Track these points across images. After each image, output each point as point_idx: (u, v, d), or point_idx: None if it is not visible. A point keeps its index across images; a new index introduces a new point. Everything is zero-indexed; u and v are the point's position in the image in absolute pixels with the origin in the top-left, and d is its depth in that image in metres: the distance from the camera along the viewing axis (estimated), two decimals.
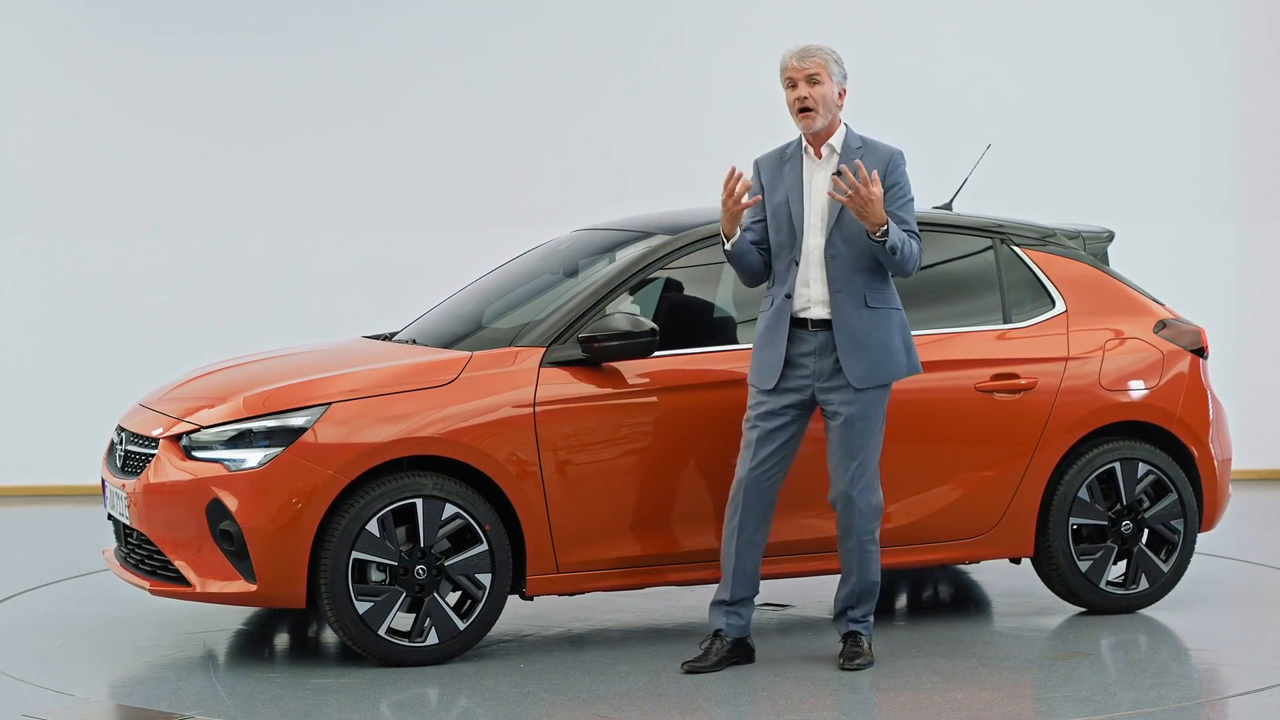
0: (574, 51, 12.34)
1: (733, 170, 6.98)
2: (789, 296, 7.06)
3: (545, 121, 12.28)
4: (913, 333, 7.50)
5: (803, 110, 7.06)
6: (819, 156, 7.10)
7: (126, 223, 12.25)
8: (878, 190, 6.84)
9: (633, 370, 7.40)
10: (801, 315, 7.08)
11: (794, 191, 7.11)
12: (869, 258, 6.99)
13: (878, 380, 7.03)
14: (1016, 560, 8.15)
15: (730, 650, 7.14)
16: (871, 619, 7.19)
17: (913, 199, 7.09)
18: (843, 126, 7.12)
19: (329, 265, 12.29)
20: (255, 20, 12.28)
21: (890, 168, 7.01)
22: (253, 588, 7.07)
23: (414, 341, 7.94)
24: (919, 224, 8.07)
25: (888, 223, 6.87)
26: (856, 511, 7.05)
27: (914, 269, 7.03)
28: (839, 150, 7.07)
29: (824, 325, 7.04)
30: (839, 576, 7.20)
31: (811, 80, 7.05)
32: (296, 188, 12.26)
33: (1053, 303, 8.07)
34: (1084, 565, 7.93)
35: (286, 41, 12.28)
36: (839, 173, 6.94)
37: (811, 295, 7.06)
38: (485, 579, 7.20)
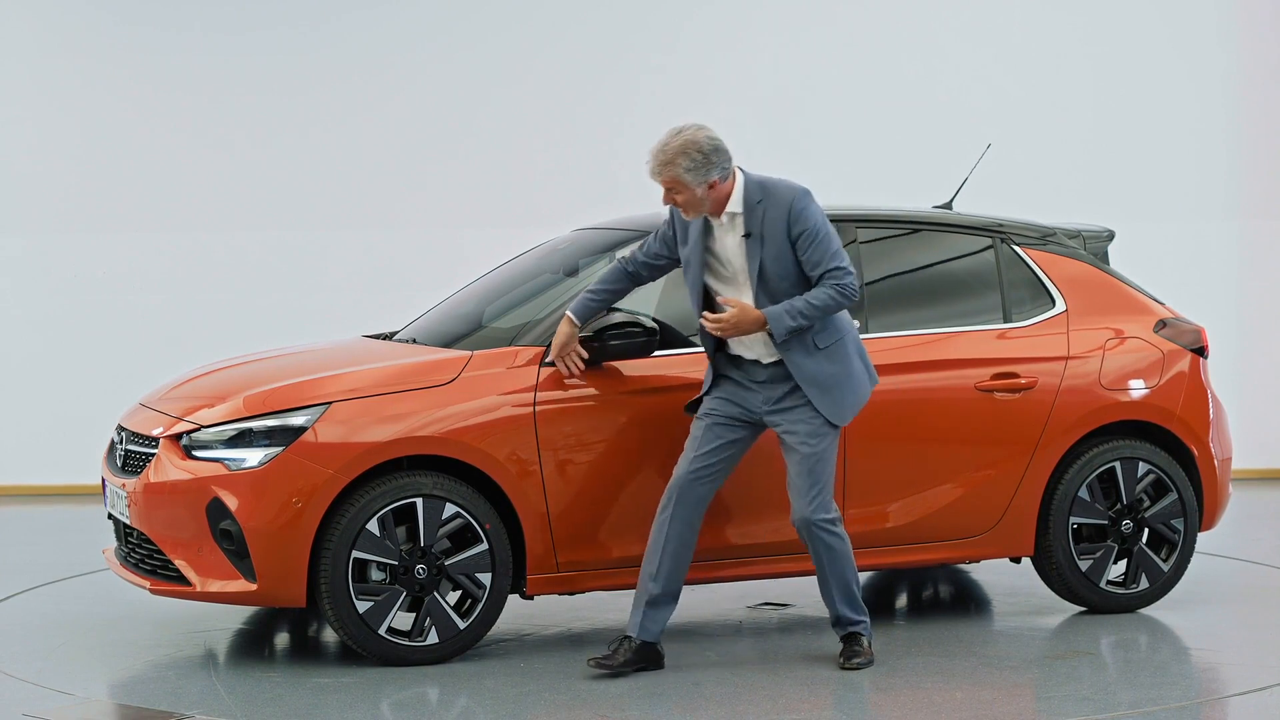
0: (574, 51, 12.34)
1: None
2: (726, 351, 7.06)
3: (545, 121, 12.28)
4: (913, 332, 7.53)
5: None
6: (723, 222, 7.00)
7: (126, 223, 12.25)
8: (730, 315, 6.81)
9: (633, 369, 7.40)
10: (749, 358, 7.06)
11: (694, 254, 7.03)
12: None
13: (851, 414, 7.02)
14: (1017, 560, 8.15)
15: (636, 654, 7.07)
16: (866, 618, 7.17)
17: (824, 234, 6.88)
18: (738, 183, 6.95)
19: (329, 265, 12.29)
20: (255, 20, 12.29)
21: (792, 217, 6.88)
22: (253, 587, 7.07)
23: (414, 341, 7.94)
24: (921, 223, 8.11)
25: (766, 323, 6.83)
26: (818, 535, 6.97)
27: (843, 306, 6.90)
28: (740, 211, 6.93)
29: (776, 363, 7.01)
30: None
31: (671, 192, 6.92)
32: (296, 187, 12.27)
33: (1053, 302, 8.07)
34: (1084, 564, 7.93)
35: (286, 41, 12.29)
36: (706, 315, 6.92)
37: (756, 349, 7.04)
38: (485, 578, 7.20)
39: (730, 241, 6.99)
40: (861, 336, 7.65)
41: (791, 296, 6.92)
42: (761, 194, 6.93)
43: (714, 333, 6.93)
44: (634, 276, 7.30)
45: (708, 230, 7.03)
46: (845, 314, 7.08)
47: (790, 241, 6.89)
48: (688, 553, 7.08)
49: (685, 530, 7.05)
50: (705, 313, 6.98)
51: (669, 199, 6.93)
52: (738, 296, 6.99)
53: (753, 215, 6.92)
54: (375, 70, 12.30)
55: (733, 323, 6.88)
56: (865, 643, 7.14)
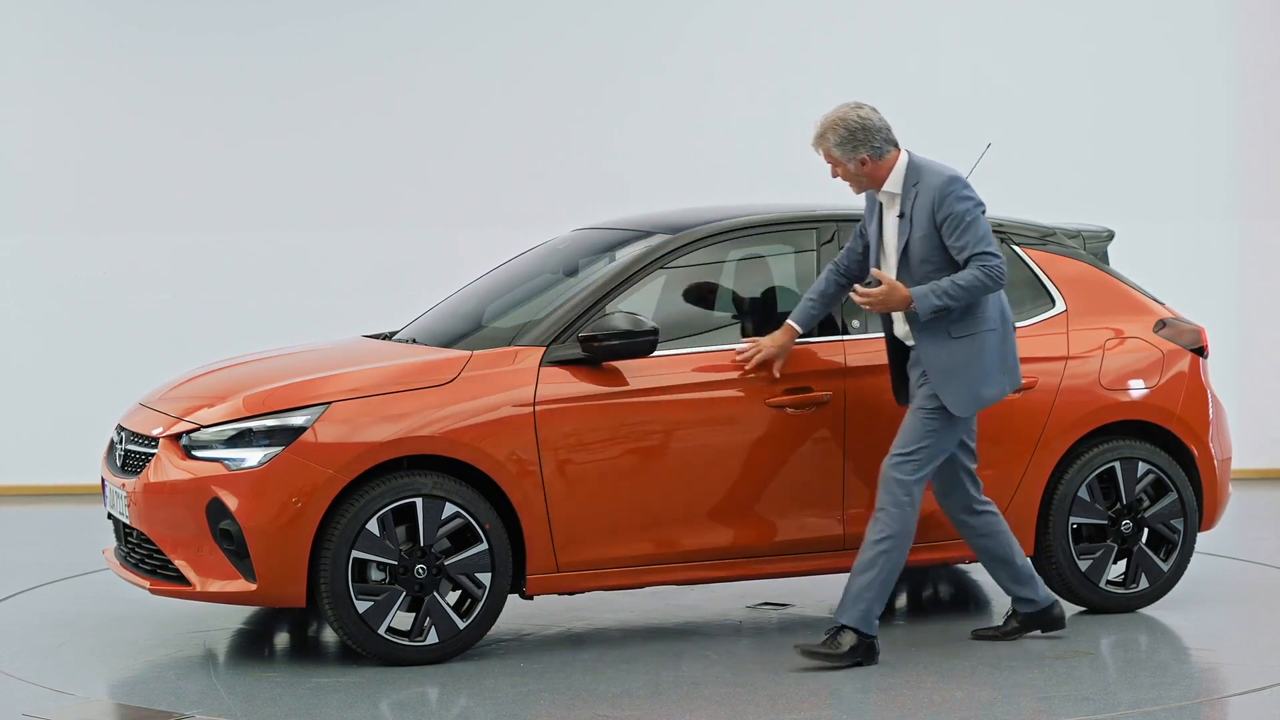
0: (574, 50, 12.34)
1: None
2: (891, 321, 7.34)
3: (545, 121, 12.28)
4: None
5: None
6: (884, 202, 7.29)
7: (126, 222, 12.25)
8: (879, 290, 7.06)
9: (633, 369, 7.40)
10: (903, 340, 7.33)
11: (872, 229, 7.34)
12: None
13: (972, 408, 7.19)
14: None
15: (1022, 622, 7.53)
16: (859, 607, 7.11)
17: (970, 219, 7.10)
18: (900, 164, 7.24)
19: (330, 265, 12.29)
20: (255, 20, 12.28)
21: (937, 202, 7.11)
22: (253, 587, 7.07)
23: (414, 341, 7.94)
24: None
25: (912, 301, 7.04)
26: (884, 487, 7.16)
27: (990, 289, 7.08)
28: (899, 192, 7.21)
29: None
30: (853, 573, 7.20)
31: (831, 165, 7.28)
32: (297, 187, 12.27)
33: (1053, 302, 8.07)
34: (1084, 564, 7.93)
35: (286, 41, 12.29)
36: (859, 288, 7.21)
37: (901, 329, 7.30)
38: (485, 578, 7.20)
39: (889, 221, 7.25)
40: (859, 336, 7.67)
41: (930, 280, 7.09)
42: (917, 177, 7.19)
43: (862, 306, 7.17)
44: (844, 275, 7.50)
45: (880, 210, 7.26)
46: (995, 312, 7.21)
47: (936, 226, 7.10)
48: (996, 539, 7.40)
49: (972, 531, 7.40)
50: (856, 285, 7.23)
51: (832, 172, 7.29)
52: (888, 274, 7.19)
53: (907, 197, 7.17)
54: (375, 70, 12.30)
55: (880, 298, 7.11)
56: (844, 640, 7.10)
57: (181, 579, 7.21)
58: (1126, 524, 7.96)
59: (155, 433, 7.37)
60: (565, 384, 7.33)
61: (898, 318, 7.28)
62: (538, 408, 7.27)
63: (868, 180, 7.24)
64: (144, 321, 12.22)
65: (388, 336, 8.31)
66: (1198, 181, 12.41)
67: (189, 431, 7.24)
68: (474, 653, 7.33)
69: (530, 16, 12.36)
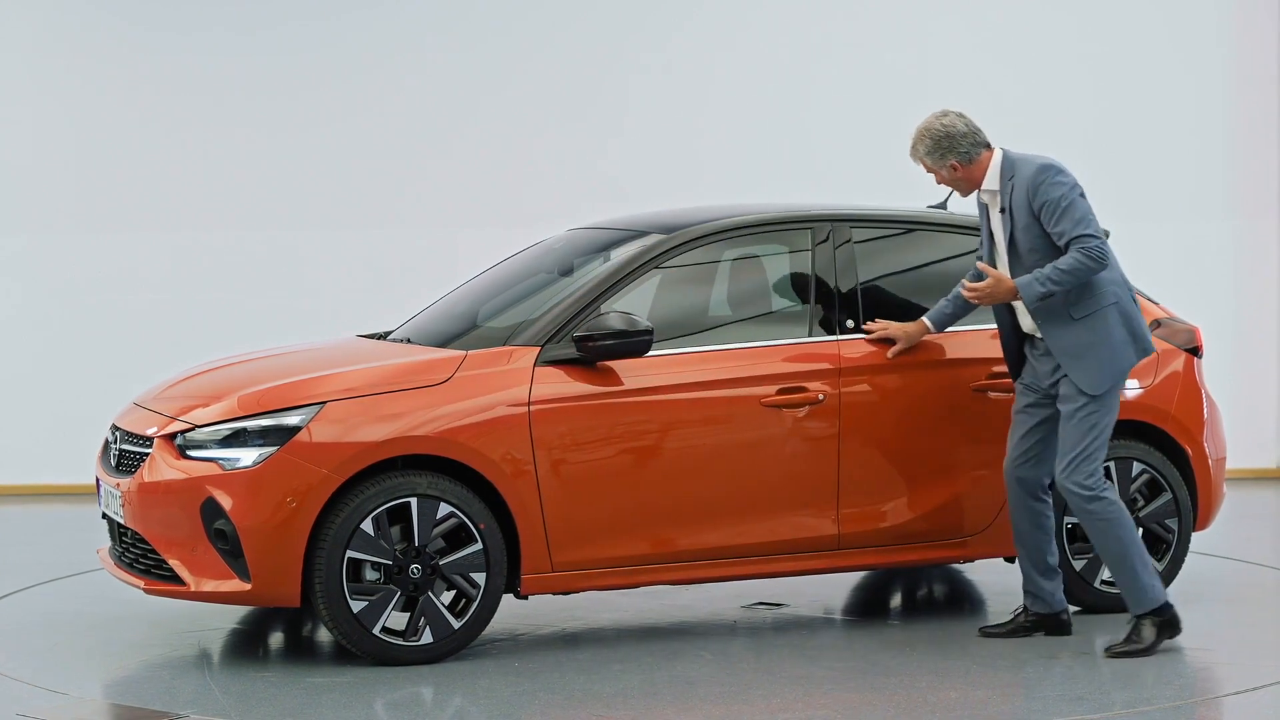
0: (571, 50, 12.34)
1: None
2: (1014, 316, 7.45)
3: (542, 121, 12.28)
4: None
5: None
6: (986, 200, 7.43)
7: (123, 222, 12.24)
8: (986, 283, 7.23)
9: (628, 369, 7.41)
10: (1026, 331, 7.42)
11: (985, 230, 7.51)
12: None
13: (1107, 384, 7.24)
14: (1010, 559, 8.14)
15: (1031, 622, 7.58)
16: (1153, 600, 7.26)
17: (1066, 203, 7.19)
18: (995, 161, 7.36)
19: (327, 264, 12.29)
20: (252, 19, 12.28)
21: (1031, 191, 7.23)
22: (247, 587, 7.07)
23: (409, 340, 7.94)
24: (915, 223, 8.12)
25: (1017, 292, 7.17)
26: (1073, 502, 7.24)
27: (1092, 270, 7.14)
28: (998, 189, 7.33)
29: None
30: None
31: (933, 174, 7.40)
32: (293, 187, 12.26)
33: None
34: (1078, 564, 7.92)
35: (283, 40, 12.28)
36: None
37: (1028, 322, 7.38)
38: (480, 578, 7.20)
39: (995, 219, 7.39)
40: (853, 337, 7.68)
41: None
42: (1012, 171, 7.33)
43: (971, 300, 7.33)
44: (975, 278, 7.61)
45: (988, 210, 7.43)
46: (1112, 285, 7.28)
47: (1035, 216, 7.22)
48: (1039, 532, 7.49)
49: (1026, 513, 7.45)
50: (964, 281, 7.43)
51: (936, 180, 7.46)
52: (1003, 269, 7.31)
53: (1004, 193, 7.31)
54: (374, 70, 12.29)
55: (987, 291, 7.27)
56: (1144, 631, 7.27)
57: (176, 579, 7.21)
58: None
59: (150, 432, 7.37)
60: (560, 384, 7.33)
61: (1021, 312, 7.39)
62: (532, 407, 7.28)
63: (965, 184, 7.39)
64: (142, 321, 12.21)
65: (382, 336, 8.31)
66: (1194, 182, 12.41)
67: (184, 431, 7.23)
68: (469, 653, 7.33)
69: (527, 15, 12.35)
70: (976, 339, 7.87)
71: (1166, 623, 7.30)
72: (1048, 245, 7.24)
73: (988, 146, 7.38)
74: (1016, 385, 7.53)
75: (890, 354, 7.66)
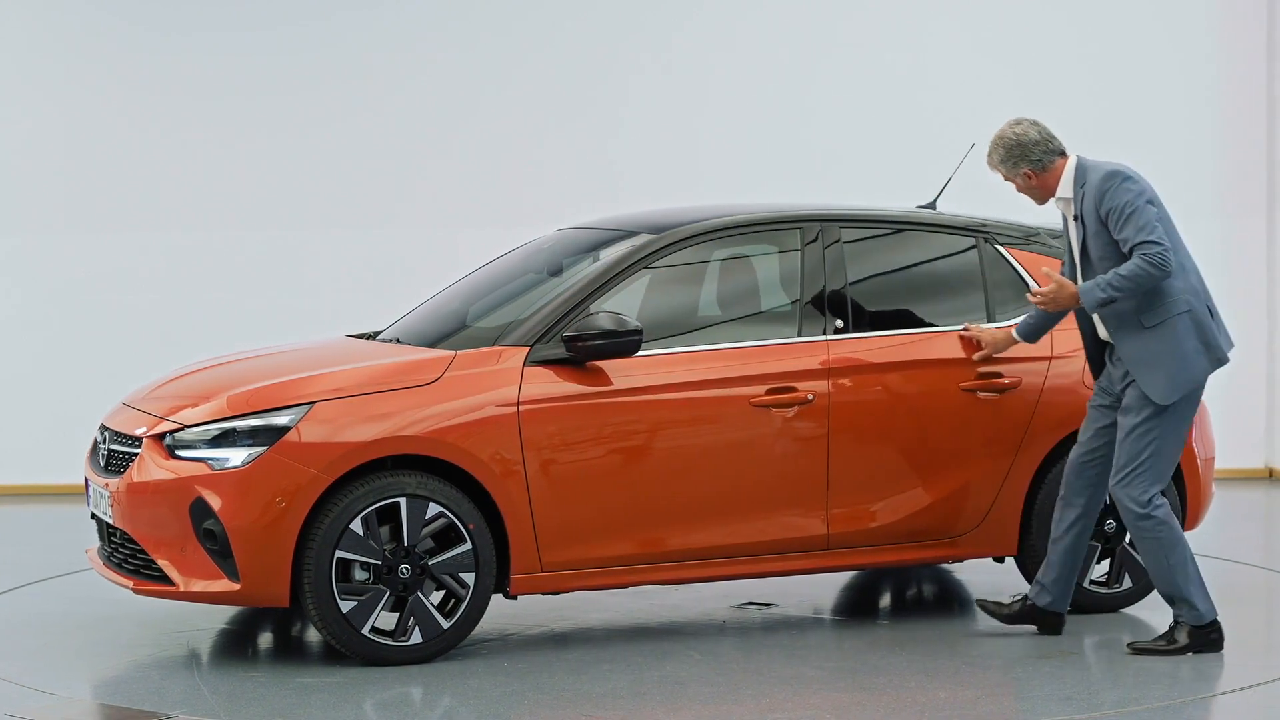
0: (568, 51, 12.33)
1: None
2: (1091, 323, 7.44)
3: (539, 121, 12.27)
4: (895, 332, 7.55)
5: None
6: (1060, 208, 7.45)
7: (122, 222, 12.22)
8: (1049, 289, 7.25)
9: (617, 369, 7.40)
10: (1102, 338, 7.42)
11: (1064, 238, 7.55)
12: None
13: (1177, 393, 7.21)
14: (1000, 559, 8.16)
15: (1029, 612, 7.54)
16: (1196, 609, 7.28)
17: (1132, 210, 7.18)
18: (1068, 170, 7.36)
19: (322, 264, 12.27)
20: (249, 19, 12.26)
21: (1098, 197, 7.23)
22: (236, 587, 7.06)
23: (398, 340, 7.94)
24: (905, 223, 8.12)
25: (1079, 299, 7.17)
26: (1125, 516, 7.25)
27: (1155, 277, 7.12)
28: (1070, 197, 7.35)
29: None
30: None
31: (1011, 183, 7.44)
32: (289, 187, 12.25)
33: None
34: None
35: (280, 40, 12.27)
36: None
37: (1102, 328, 7.37)
38: (469, 578, 7.20)
39: (1070, 226, 7.41)
40: (843, 337, 7.68)
41: None
42: (1084, 178, 7.33)
43: (1037, 305, 7.33)
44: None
45: (1065, 218, 7.45)
46: (1185, 294, 7.27)
47: (1102, 222, 7.22)
48: (1083, 534, 7.47)
49: (1073, 509, 7.42)
50: (1031, 286, 7.47)
51: (1016, 189, 7.47)
52: (1080, 277, 7.31)
53: (1077, 200, 7.32)
54: (372, 70, 12.27)
55: (1050, 297, 7.30)
56: (1179, 635, 7.28)
57: (165, 579, 7.20)
58: (1110, 524, 7.96)
59: (139, 432, 7.36)
60: (549, 384, 7.33)
61: (1096, 319, 7.36)
62: (522, 407, 7.27)
63: (1040, 192, 7.40)
64: (140, 322, 12.19)
65: (372, 336, 8.31)
66: (1185, 181, 12.40)
67: (173, 431, 7.23)
68: (458, 653, 7.33)
69: (524, 16, 12.34)
70: (963, 339, 7.87)
71: (1205, 639, 7.29)
72: (1117, 252, 7.21)
73: (1063, 154, 7.36)
74: (1095, 384, 7.50)
75: (976, 357, 7.72)
